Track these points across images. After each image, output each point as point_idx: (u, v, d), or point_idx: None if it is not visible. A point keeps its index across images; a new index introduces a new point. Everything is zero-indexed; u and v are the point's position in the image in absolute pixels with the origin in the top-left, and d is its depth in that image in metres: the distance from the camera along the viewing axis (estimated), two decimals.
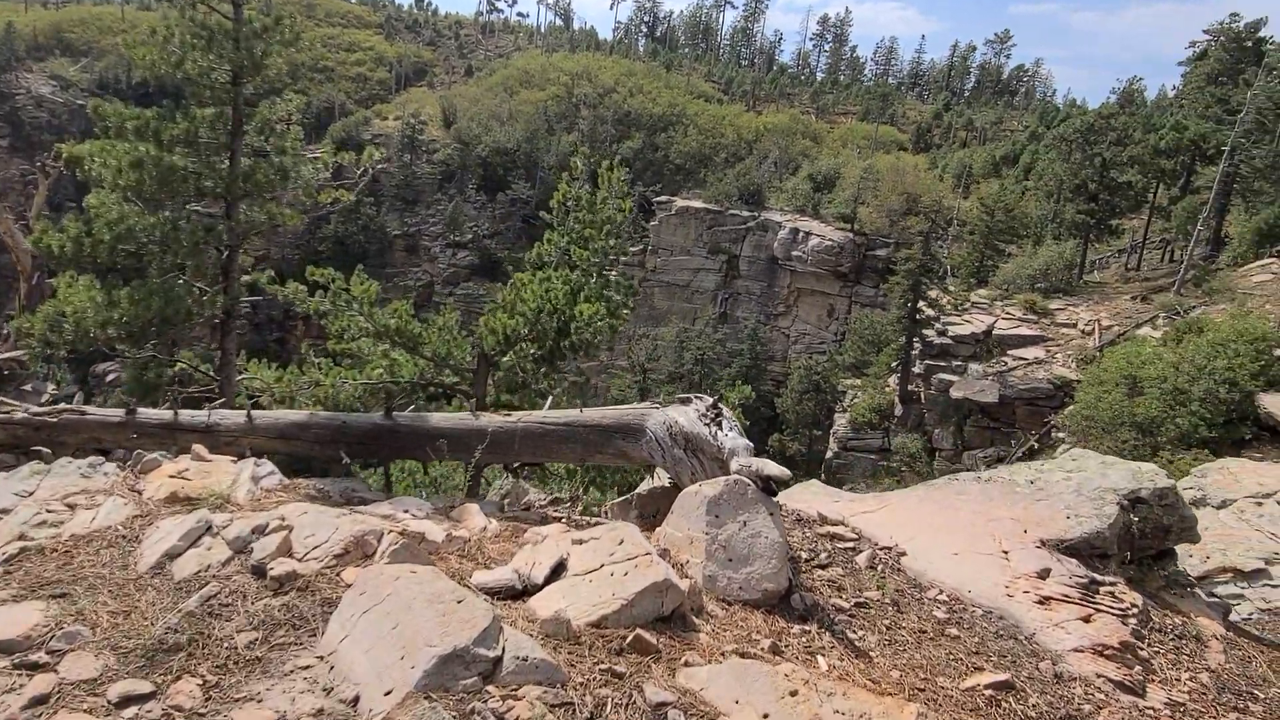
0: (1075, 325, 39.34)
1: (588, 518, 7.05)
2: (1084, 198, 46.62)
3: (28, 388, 10.24)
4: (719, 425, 5.71)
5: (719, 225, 68.47)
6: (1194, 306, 35.40)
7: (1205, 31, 62.29)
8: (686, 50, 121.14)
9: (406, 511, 6.15)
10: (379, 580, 4.12)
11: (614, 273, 12.08)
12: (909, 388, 40.53)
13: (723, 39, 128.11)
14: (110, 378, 54.96)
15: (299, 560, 4.82)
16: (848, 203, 63.65)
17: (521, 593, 4.51)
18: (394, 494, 7.84)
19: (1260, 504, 9.50)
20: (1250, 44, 57.03)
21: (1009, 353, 37.84)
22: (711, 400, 6.01)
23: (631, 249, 70.99)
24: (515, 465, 8.61)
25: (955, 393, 36.34)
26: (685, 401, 6.32)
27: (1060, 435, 32.41)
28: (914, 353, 40.21)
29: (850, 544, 5.85)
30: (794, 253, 63.59)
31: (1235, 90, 50.03)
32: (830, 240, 62.17)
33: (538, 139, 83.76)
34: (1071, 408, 31.75)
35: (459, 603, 3.83)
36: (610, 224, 11.82)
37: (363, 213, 77.82)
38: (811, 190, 68.09)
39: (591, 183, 12.40)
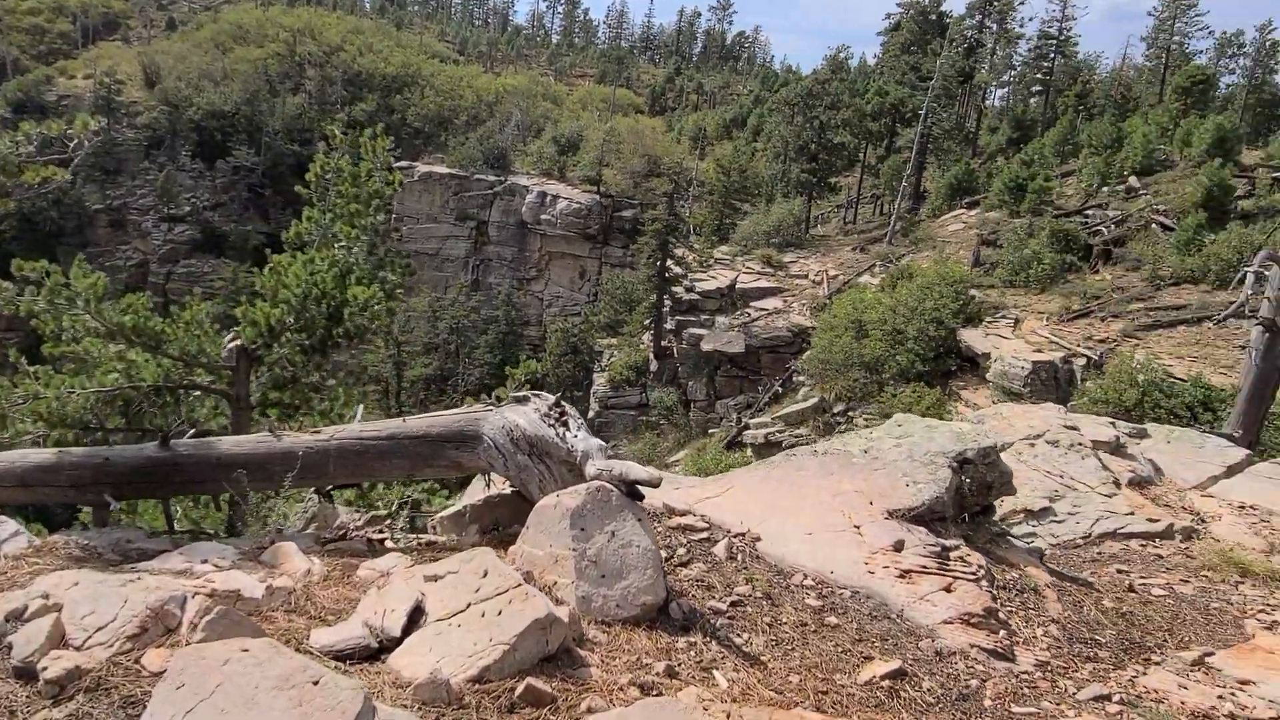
0: (806, 276, 42.80)
1: (419, 537, 6.55)
2: (806, 158, 50.56)
3: None
4: (565, 426, 5.38)
5: (465, 190, 67.07)
6: (903, 255, 39.70)
7: (898, 4, 69.07)
8: (417, 8, 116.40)
9: (206, 562, 5.15)
10: (201, 666, 3.19)
11: (385, 249, 11.40)
12: (662, 344, 42.26)
13: None
14: None
15: (80, 650, 3.72)
16: (592, 165, 64.65)
17: (378, 650, 3.84)
18: (180, 539, 6.68)
19: (1033, 444, 10.34)
20: (934, 17, 64.05)
21: (751, 305, 40.51)
22: (553, 399, 5.71)
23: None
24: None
25: (705, 345, 38.39)
26: (522, 401, 5.83)
27: (800, 379, 35.31)
28: (665, 309, 41.89)
29: (704, 534, 5.71)
30: (543, 216, 63.76)
31: (925, 59, 56.12)
32: (578, 203, 62.95)
33: (259, 101, 77.16)
34: (809, 353, 34.61)
35: (315, 684, 3.06)
36: (378, 198, 11.05)
37: (54, 185, 68.13)
38: (556, 153, 68.39)
39: (353, 153, 11.58)
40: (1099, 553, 8.18)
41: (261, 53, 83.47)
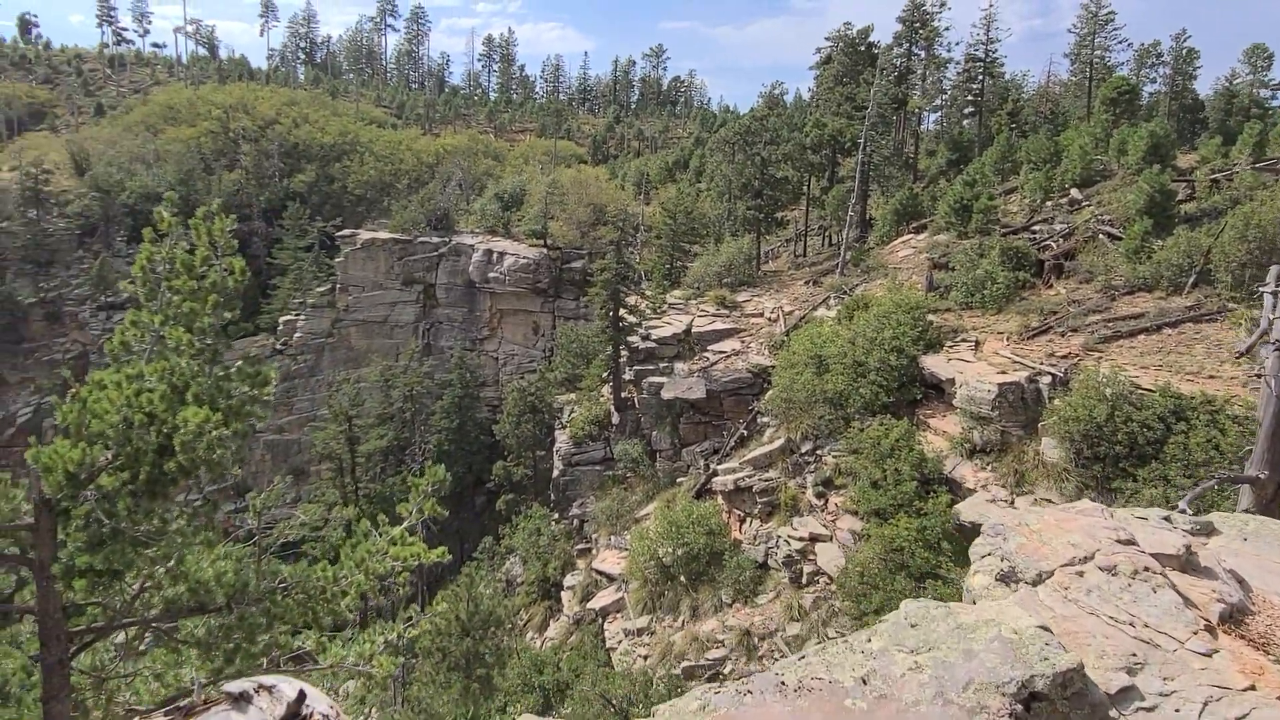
0: (762, 314, 42.10)
1: None
2: (750, 194, 50.22)
3: None
4: None
5: (410, 255, 65.96)
6: (857, 284, 39.17)
7: (827, 39, 70.01)
8: (351, 76, 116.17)
9: None
10: None
11: (240, 357, 9.54)
12: (622, 395, 41.16)
13: (388, 62, 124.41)
14: None
15: None
16: (537, 219, 63.98)
17: None
18: None
19: (1082, 573, 7.50)
20: (864, 48, 64.83)
21: (709, 348, 39.63)
22: (295, 694, 3.79)
23: (319, 289, 66.43)
24: None
25: (666, 393, 37.35)
26: (239, 703, 3.92)
27: (765, 419, 34.33)
28: (622, 360, 40.89)
29: None
30: (490, 274, 62.78)
31: (859, 89, 56.51)
32: (525, 258, 62.11)
33: (194, 180, 75.77)
34: (770, 392, 33.68)
35: None
36: (219, 292, 9.26)
37: None
38: (500, 209, 67.70)
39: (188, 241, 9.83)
40: None
41: (194, 131, 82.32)
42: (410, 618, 10.83)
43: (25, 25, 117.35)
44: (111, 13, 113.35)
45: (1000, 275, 30.57)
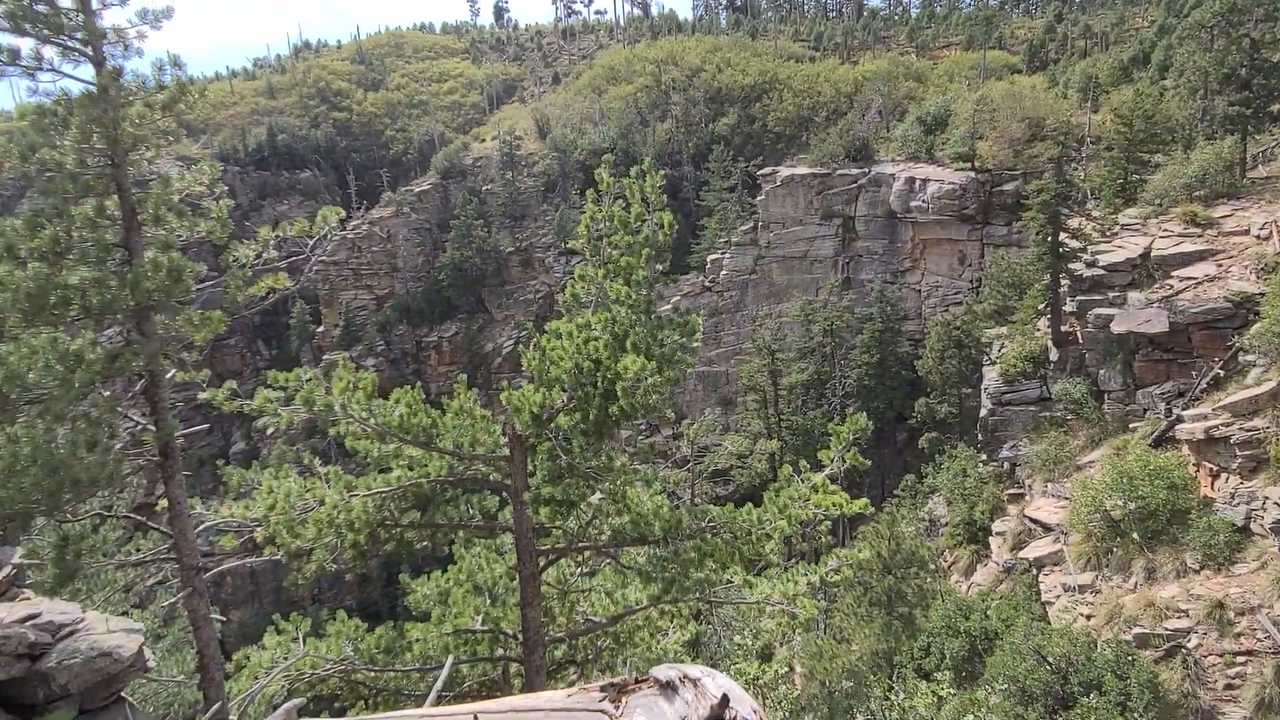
0: (1248, 231, 34.99)
1: None
2: (1235, 87, 41.49)
3: None
4: None
5: (829, 188, 65.56)
6: None
7: None
8: (770, 15, 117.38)
9: None
10: None
11: (669, 305, 9.94)
12: (1062, 329, 37.18)
13: None
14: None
15: None
16: (964, 140, 59.55)
17: None
18: None
19: None
20: None
21: (1173, 274, 33.98)
22: (720, 694, 3.37)
23: (743, 227, 69.05)
24: None
25: (1117, 327, 32.93)
26: (665, 690, 3.83)
27: (1249, 358, 28.85)
28: (1062, 290, 36.84)
29: None
30: (913, 203, 60.07)
31: None
32: (950, 183, 58.36)
33: (632, 133, 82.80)
34: (1259, 325, 28.21)
35: None
36: (652, 245, 9.59)
37: (475, 235, 79.10)
38: (923, 134, 64.17)
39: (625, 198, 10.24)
40: None
41: (631, 88, 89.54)
42: (834, 564, 10.81)
43: (499, 12, 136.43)
44: None
45: None
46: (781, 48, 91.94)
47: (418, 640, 10.12)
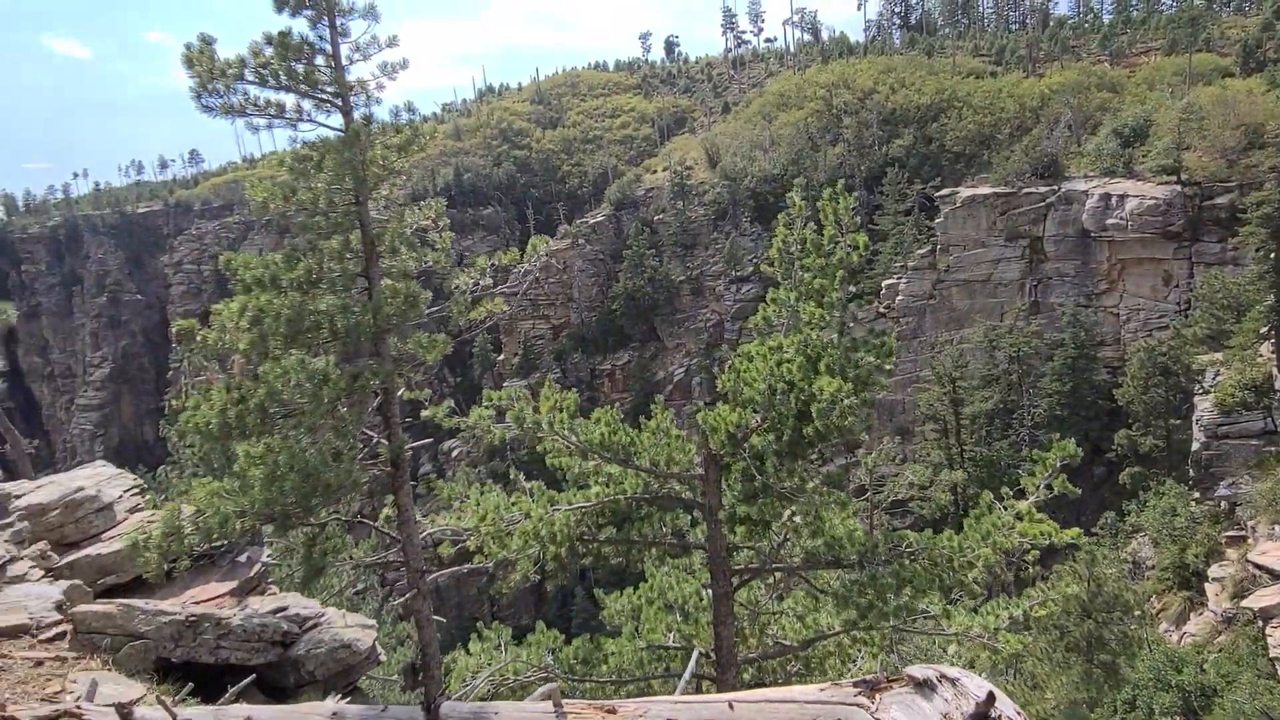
0: None
1: None
2: None
3: (241, 558, 10.22)
4: None
5: (1014, 207, 62.51)
6: None
7: None
8: (947, 31, 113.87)
9: None
10: None
11: (862, 328, 9.87)
12: None
13: (984, 9, 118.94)
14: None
15: None
16: (1168, 151, 55.30)
17: None
18: None
19: None
20: None
21: None
22: (985, 693, 3.47)
23: (920, 251, 66.94)
24: None
25: None
26: (924, 690, 3.75)
27: None
28: None
29: None
30: (1109, 221, 56.25)
31: None
32: (1153, 198, 54.26)
33: (803, 158, 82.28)
34: None
35: None
36: (845, 267, 9.54)
37: (647, 264, 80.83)
38: (1119, 146, 60.11)
39: (816, 220, 10.29)
40: None
41: (801, 113, 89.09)
42: (1036, 598, 10.27)
43: (669, 47, 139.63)
44: (732, 20, 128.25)
45: None
46: (960, 64, 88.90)
47: (613, 653, 10.46)
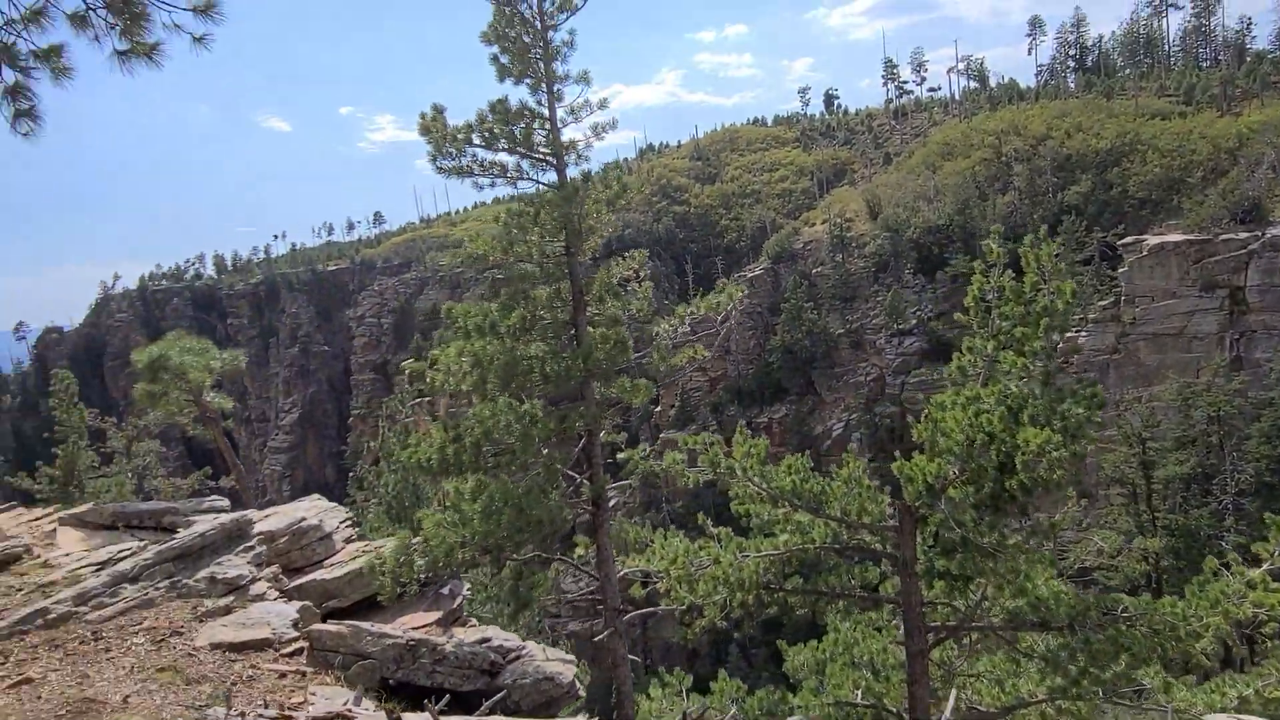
0: None
1: None
2: None
3: (445, 590, 10.70)
4: None
5: (1209, 255, 58.03)
6: None
7: None
8: (1128, 71, 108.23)
9: None
10: None
11: (1068, 377, 9.48)
12: None
13: (1170, 46, 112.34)
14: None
15: None
16: None
17: None
18: None
19: None
20: None
21: None
22: None
23: (1101, 303, 63.12)
24: None
25: None
26: None
27: None
28: None
29: None
30: None
31: None
32: None
33: (970, 208, 79.70)
34: None
35: None
36: (1049, 315, 9.19)
37: (805, 318, 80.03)
38: None
39: (1015, 268, 10.01)
40: None
41: (968, 162, 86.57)
42: (1273, 675, 9.35)
43: (829, 100, 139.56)
44: (894, 70, 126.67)
45: None
46: (1143, 105, 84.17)
47: (799, 706, 10.28)
